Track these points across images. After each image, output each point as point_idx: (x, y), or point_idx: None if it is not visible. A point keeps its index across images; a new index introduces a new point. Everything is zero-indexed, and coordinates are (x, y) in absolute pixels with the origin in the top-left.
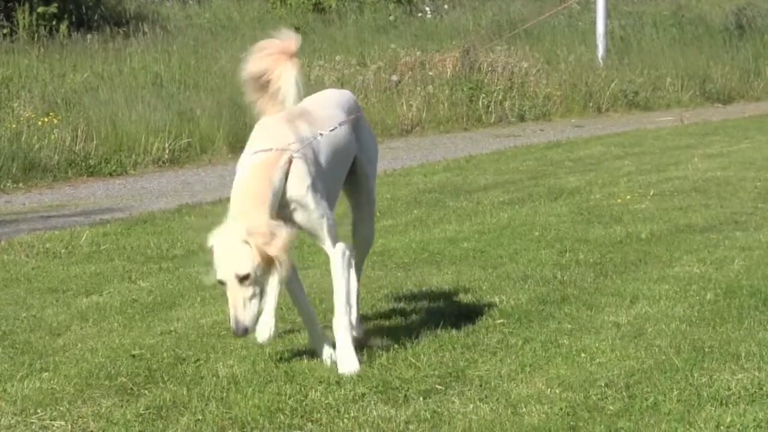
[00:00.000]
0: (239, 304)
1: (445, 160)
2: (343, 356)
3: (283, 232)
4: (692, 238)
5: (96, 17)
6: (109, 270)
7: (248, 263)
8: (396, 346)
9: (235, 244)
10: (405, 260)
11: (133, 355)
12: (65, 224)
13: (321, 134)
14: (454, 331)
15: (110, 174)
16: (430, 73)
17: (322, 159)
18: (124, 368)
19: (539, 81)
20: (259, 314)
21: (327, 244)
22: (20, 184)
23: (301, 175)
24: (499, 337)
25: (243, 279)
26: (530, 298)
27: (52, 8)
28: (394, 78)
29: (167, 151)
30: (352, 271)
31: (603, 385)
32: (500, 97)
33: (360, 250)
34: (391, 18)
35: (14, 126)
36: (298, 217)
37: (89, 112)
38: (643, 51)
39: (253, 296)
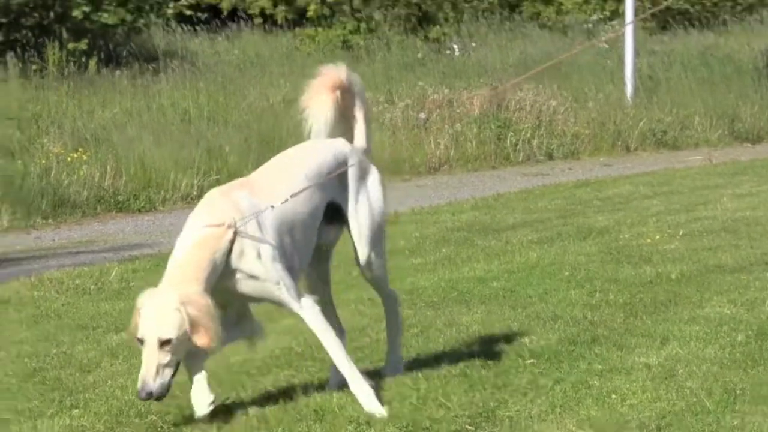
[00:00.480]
0: (151, 368)
1: (473, 198)
2: (369, 405)
3: (213, 308)
4: (722, 279)
5: (125, 53)
6: None
7: (174, 330)
8: (426, 385)
9: (166, 308)
10: (434, 299)
11: None
12: (94, 260)
13: (272, 206)
14: (484, 371)
15: (139, 210)
16: (458, 111)
17: (271, 229)
18: (154, 406)
19: (567, 119)
20: (169, 386)
21: (291, 306)
22: (49, 220)
23: (246, 250)
24: (529, 377)
25: (164, 344)
26: (560, 338)
27: (82, 44)
28: (422, 116)
29: (196, 188)
30: (326, 322)
31: (634, 426)
32: (528, 135)
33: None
34: (419, 55)
35: (44, 162)
36: (243, 287)
37: (118, 149)
38: (671, 90)
39: (168, 365)
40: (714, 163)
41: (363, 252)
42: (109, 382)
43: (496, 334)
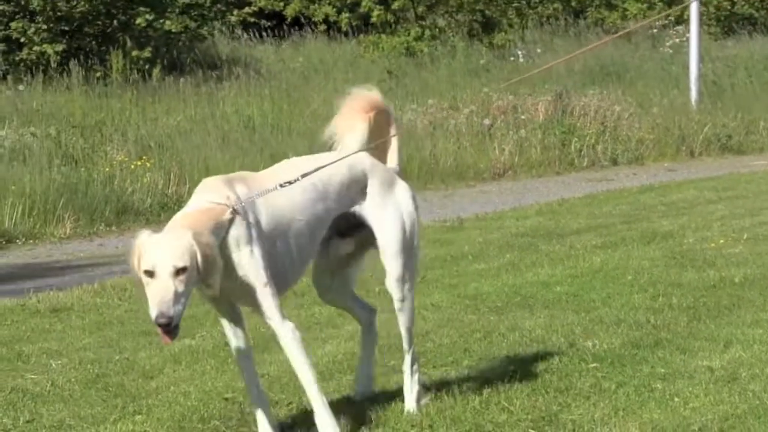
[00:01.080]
0: (169, 293)
1: (538, 203)
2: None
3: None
4: None
5: (189, 61)
6: (201, 313)
7: (189, 258)
8: (489, 389)
9: (180, 239)
10: (498, 304)
11: (226, 399)
12: None
13: (281, 185)
14: (546, 375)
15: None
16: (523, 117)
17: (265, 228)
18: (217, 411)
19: (632, 125)
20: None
21: (272, 316)
22: (113, 227)
23: (242, 240)
24: (592, 381)
25: (179, 272)
26: (623, 342)
27: (146, 52)
28: (487, 122)
29: None
30: (304, 351)
31: (697, 429)
32: (592, 140)
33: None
34: (483, 62)
35: (107, 169)
36: (232, 279)
37: (182, 156)
38: (736, 95)
39: (183, 294)
40: None
41: (395, 265)
42: (172, 388)
43: (559, 338)
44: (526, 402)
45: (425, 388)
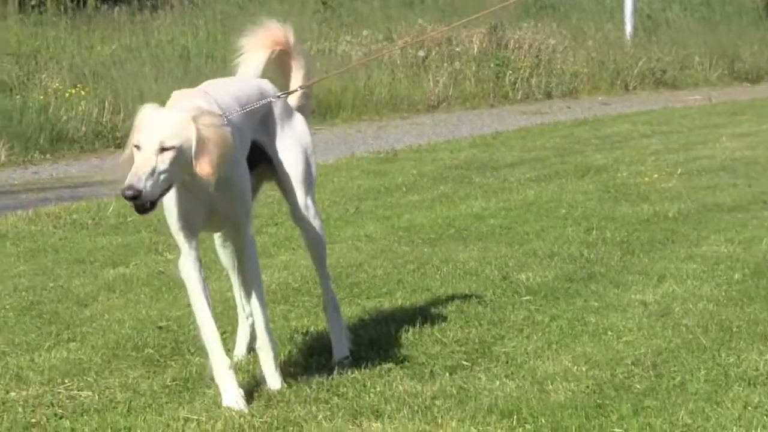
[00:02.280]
0: (146, 167)
1: (472, 136)
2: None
3: (229, 131)
4: (720, 218)
5: None
6: (135, 242)
7: (178, 139)
8: (422, 321)
9: (177, 116)
10: (431, 236)
11: (160, 327)
12: (92, 195)
13: (278, 96)
14: (480, 308)
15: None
16: (457, 50)
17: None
18: (151, 340)
19: (566, 58)
20: (157, 201)
21: (246, 232)
22: (47, 156)
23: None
24: (526, 314)
25: (164, 150)
26: (557, 275)
27: None
28: (421, 53)
29: None
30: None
31: (630, 363)
32: (527, 73)
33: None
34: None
35: (42, 98)
36: (221, 191)
37: (117, 85)
38: (671, 29)
39: (164, 173)
40: (713, 103)
41: (300, 196)
42: (106, 315)
43: (493, 271)
44: (459, 334)
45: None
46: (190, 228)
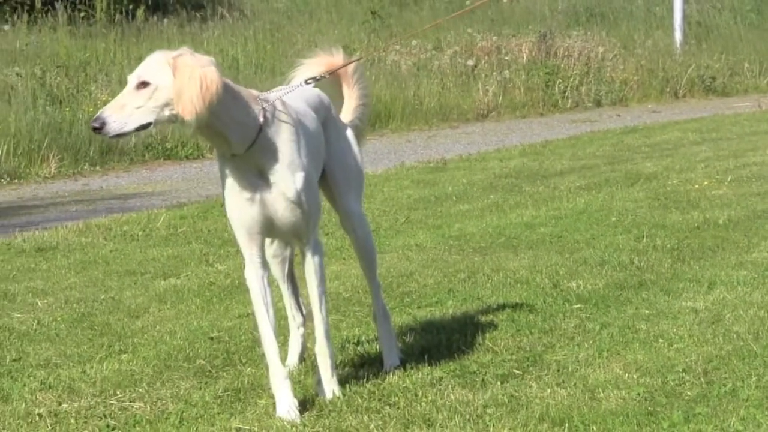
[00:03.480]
0: (118, 101)
1: (521, 145)
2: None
3: (213, 70)
4: None
5: (173, 1)
6: (186, 253)
7: (155, 75)
8: (473, 330)
9: (159, 56)
10: (482, 244)
11: (212, 338)
12: (142, 207)
13: (307, 81)
14: (531, 316)
15: (186, 157)
16: (507, 58)
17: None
18: (203, 351)
19: (616, 66)
20: (128, 132)
21: (309, 238)
22: (97, 167)
23: (283, 131)
24: (576, 322)
25: (140, 85)
26: (607, 283)
27: None
28: (470, 63)
29: None
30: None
31: (681, 370)
32: (576, 82)
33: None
34: (468, 2)
35: (91, 110)
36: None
37: None
38: (721, 36)
39: (138, 108)
40: (763, 110)
41: (350, 203)
42: (158, 327)
43: (543, 279)
44: (510, 342)
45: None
46: (249, 234)
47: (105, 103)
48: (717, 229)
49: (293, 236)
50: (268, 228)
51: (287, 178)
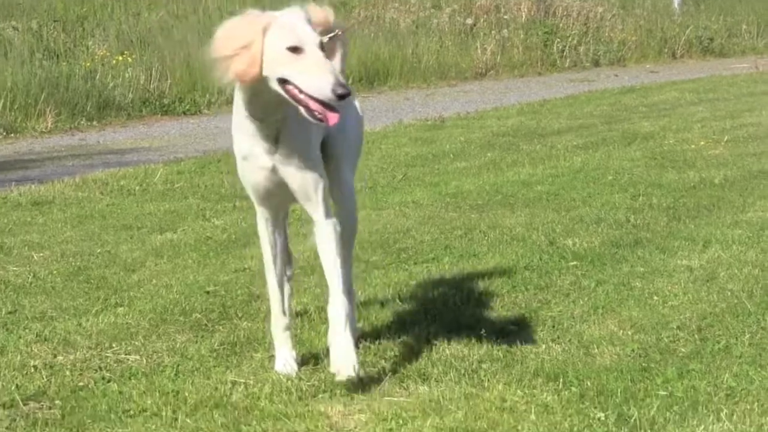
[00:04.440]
0: (330, 64)
1: (519, 104)
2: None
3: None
4: (766, 184)
5: None
6: (183, 208)
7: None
8: (469, 286)
9: (302, 14)
10: (478, 202)
11: (208, 292)
12: (139, 162)
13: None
14: (527, 273)
15: (184, 113)
16: (506, 17)
17: None
18: (199, 305)
19: (614, 26)
20: None
21: (319, 205)
22: (94, 122)
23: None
24: (572, 279)
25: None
26: (603, 241)
27: None
28: (469, 21)
29: None
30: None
31: (675, 327)
32: (575, 41)
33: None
34: None
35: (89, 64)
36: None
37: (164, 52)
38: None
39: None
40: (760, 71)
41: (343, 170)
42: (154, 281)
43: (540, 237)
44: (506, 299)
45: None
46: (260, 197)
47: (102, 58)
48: (713, 189)
49: (304, 202)
50: (280, 193)
51: (303, 146)
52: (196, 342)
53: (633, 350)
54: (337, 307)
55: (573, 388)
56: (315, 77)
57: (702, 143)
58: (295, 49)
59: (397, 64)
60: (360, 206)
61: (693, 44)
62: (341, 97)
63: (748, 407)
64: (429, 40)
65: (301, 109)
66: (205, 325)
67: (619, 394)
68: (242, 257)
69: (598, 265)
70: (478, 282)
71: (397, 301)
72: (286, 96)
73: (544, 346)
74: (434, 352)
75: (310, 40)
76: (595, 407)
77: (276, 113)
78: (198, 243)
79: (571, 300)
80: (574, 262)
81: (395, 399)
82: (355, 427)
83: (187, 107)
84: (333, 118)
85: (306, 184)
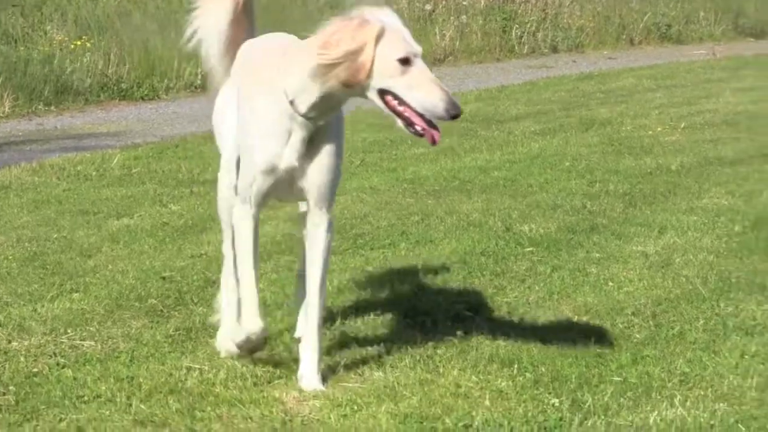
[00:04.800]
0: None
1: (478, 90)
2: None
3: None
4: (721, 171)
5: None
6: (140, 193)
7: None
8: (425, 272)
9: (398, 19)
10: (435, 188)
11: (164, 278)
12: (96, 147)
13: None
14: (482, 259)
15: (142, 98)
16: (464, 3)
17: None
18: (155, 290)
19: (573, 12)
20: None
21: (327, 211)
22: (52, 107)
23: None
24: (528, 264)
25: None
26: (559, 227)
27: None
28: (428, 7)
29: (199, 77)
30: None
31: (630, 313)
32: (533, 27)
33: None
34: None
35: (47, 49)
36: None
37: (122, 37)
38: None
39: None
40: (717, 58)
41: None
42: (110, 266)
43: (496, 222)
44: (462, 284)
45: None
46: (268, 191)
47: (60, 43)
48: (669, 175)
49: (315, 200)
50: (290, 192)
51: (335, 149)
52: (152, 328)
53: (588, 336)
54: (315, 313)
55: (527, 374)
56: (427, 94)
57: (659, 129)
58: (405, 61)
59: None
60: None
61: (651, 31)
62: (454, 117)
63: (702, 393)
64: None
65: (398, 122)
66: (161, 310)
67: (573, 379)
68: (199, 243)
69: (554, 251)
70: (434, 268)
71: (353, 286)
72: (383, 106)
73: (499, 332)
74: (389, 338)
75: (417, 51)
76: (550, 393)
77: (331, 115)
78: (154, 228)
79: (527, 286)
80: (530, 248)
81: (350, 385)
82: (310, 413)
83: (146, 92)
84: (437, 135)
85: (326, 184)
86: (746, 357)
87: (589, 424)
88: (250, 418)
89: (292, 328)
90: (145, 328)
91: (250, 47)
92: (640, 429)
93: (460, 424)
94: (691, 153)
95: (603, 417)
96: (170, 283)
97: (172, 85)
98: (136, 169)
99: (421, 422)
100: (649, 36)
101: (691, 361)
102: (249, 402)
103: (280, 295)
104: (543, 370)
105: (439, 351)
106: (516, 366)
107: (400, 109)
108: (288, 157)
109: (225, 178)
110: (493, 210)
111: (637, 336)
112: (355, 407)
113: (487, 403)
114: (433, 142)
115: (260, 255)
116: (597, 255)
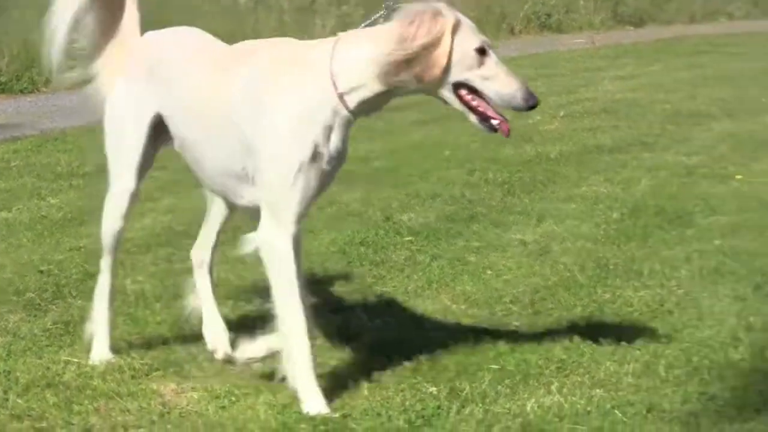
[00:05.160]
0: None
1: None
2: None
3: None
4: (600, 159)
5: None
6: (18, 187)
7: None
8: (304, 263)
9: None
10: None
11: (41, 271)
12: None
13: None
14: (362, 248)
15: (21, 91)
16: None
17: None
18: (32, 284)
19: (454, 2)
20: None
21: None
22: None
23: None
24: (407, 254)
25: None
26: (439, 216)
27: None
28: None
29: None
30: None
31: (508, 301)
32: None
33: None
34: None
35: None
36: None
37: (0, 29)
38: None
39: None
40: (596, 46)
41: None
42: None
43: (376, 212)
44: (341, 274)
45: None
46: (308, 198)
47: None
48: (548, 163)
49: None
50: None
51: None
52: (29, 321)
53: (466, 324)
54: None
55: (406, 363)
56: (504, 85)
57: (538, 118)
58: (482, 51)
59: (237, 41)
60: (196, 183)
61: (531, 20)
62: (532, 107)
63: (579, 379)
64: (269, 17)
65: (472, 117)
66: (39, 304)
67: (451, 368)
68: (77, 236)
69: (433, 240)
70: (314, 258)
71: (231, 277)
72: (456, 102)
73: (378, 321)
74: (267, 328)
75: (490, 42)
76: (428, 381)
77: (371, 113)
78: (33, 222)
79: (406, 275)
80: (410, 238)
81: (228, 376)
82: (188, 405)
83: (25, 85)
84: (508, 127)
85: (329, 184)
86: (623, 343)
87: (466, 412)
88: (128, 410)
89: (174, 321)
90: (22, 321)
91: (160, 41)
92: (518, 416)
93: (338, 414)
94: (570, 141)
95: (481, 405)
96: (48, 277)
97: (52, 78)
98: (15, 163)
99: (299, 413)
100: (530, 25)
101: (568, 348)
102: (127, 395)
103: (158, 288)
104: (421, 358)
105: (318, 341)
106: (394, 355)
107: (475, 103)
108: (325, 156)
109: (117, 192)
110: (373, 200)
111: (516, 324)
112: (233, 398)
113: (366, 392)
114: (507, 135)
115: (140, 248)
116: (476, 244)
